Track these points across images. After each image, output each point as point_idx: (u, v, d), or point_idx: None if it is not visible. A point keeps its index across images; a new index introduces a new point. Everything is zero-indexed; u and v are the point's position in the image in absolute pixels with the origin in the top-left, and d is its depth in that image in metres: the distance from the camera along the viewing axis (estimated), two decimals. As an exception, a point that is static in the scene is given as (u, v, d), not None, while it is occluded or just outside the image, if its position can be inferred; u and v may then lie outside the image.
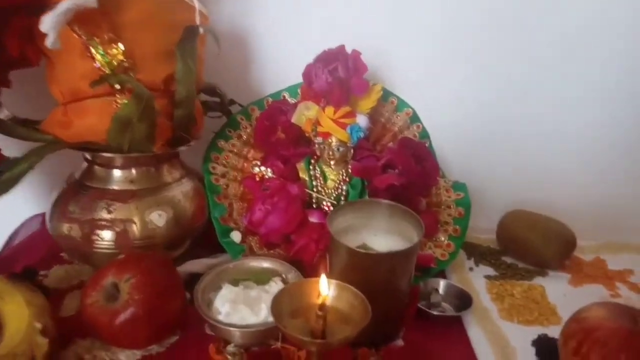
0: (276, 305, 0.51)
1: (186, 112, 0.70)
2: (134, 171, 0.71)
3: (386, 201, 0.68)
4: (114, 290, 0.59)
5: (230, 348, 0.61)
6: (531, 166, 0.99)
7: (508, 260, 0.88)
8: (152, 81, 0.66)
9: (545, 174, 0.98)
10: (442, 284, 0.77)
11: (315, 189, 0.80)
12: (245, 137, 0.87)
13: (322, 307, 0.49)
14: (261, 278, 0.67)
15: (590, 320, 0.57)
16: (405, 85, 0.92)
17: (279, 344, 0.62)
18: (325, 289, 0.51)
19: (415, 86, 0.93)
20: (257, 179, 0.79)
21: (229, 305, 0.60)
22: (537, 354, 0.66)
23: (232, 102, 0.90)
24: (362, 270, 0.59)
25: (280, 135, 0.84)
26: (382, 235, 0.67)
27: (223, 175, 0.82)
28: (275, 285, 0.66)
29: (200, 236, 0.79)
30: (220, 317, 0.60)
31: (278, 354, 0.62)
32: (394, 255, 0.59)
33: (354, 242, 0.66)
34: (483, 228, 0.95)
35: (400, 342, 0.65)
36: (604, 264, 0.86)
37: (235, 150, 0.86)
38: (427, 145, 0.89)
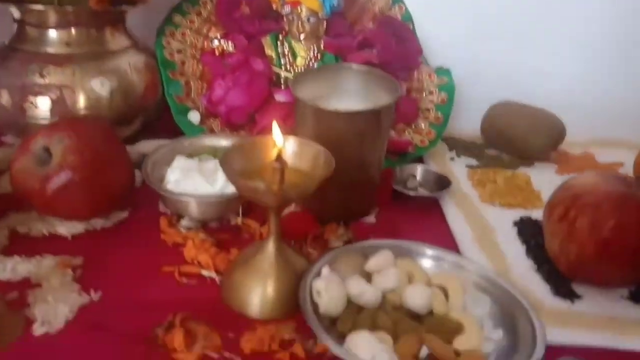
0: (227, 163, 0.44)
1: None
2: (71, 32, 0.62)
3: (359, 65, 0.60)
4: (46, 155, 0.51)
5: (184, 222, 0.55)
6: (522, 60, 0.91)
7: (493, 152, 0.82)
8: None
9: (536, 67, 0.90)
10: (419, 170, 0.70)
11: (283, 67, 0.71)
12: (205, 14, 0.77)
13: (278, 159, 0.43)
14: (219, 152, 0.60)
15: (580, 186, 0.51)
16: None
17: (239, 220, 0.57)
18: (280, 138, 0.44)
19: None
20: (217, 53, 0.71)
21: (180, 172, 0.53)
22: (519, 233, 0.61)
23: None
24: (329, 135, 0.52)
25: (244, 10, 0.74)
26: (353, 102, 0.60)
27: (179, 52, 0.73)
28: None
29: (154, 117, 0.71)
30: (169, 186, 0.53)
31: (238, 231, 0.56)
32: (363, 115, 0.52)
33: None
34: (467, 127, 0.88)
35: (372, 219, 0.59)
36: (593, 157, 0.81)
37: (194, 27, 0.76)
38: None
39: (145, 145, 0.67)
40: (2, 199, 0.57)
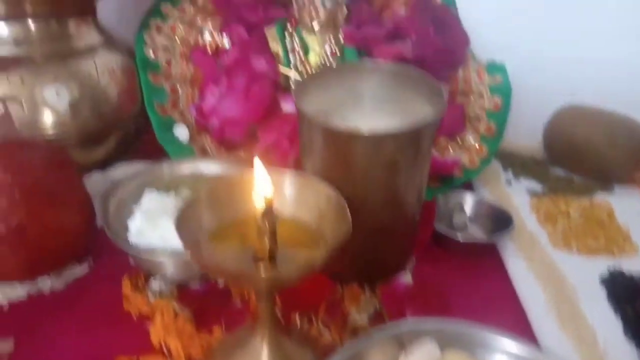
0: (186, 222, 0.30)
1: None
2: (24, 26, 0.48)
3: (387, 63, 0.44)
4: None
5: (154, 284, 0.41)
6: (592, 51, 0.73)
7: (559, 172, 0.65)
8: None
9: (612, 61, 0.72)
10: (469, 199, 0.55)
11: (292, 66, 0.56)
12: (200, 1, 0.63)
13: (267, 214, 0.28)
14: (202, 182, 0.45)
15: None
16: None
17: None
18: (266, 182, 0.29)
19: None
20: (209, 51, 0.56)
21: (143, 217, 0.39)
22: (610, 296, 0.44)
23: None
24: (347, 164, 0.37)
25: (246, -8, 0.59)
26: (379, 115, 0.44)
27: (165, 49, 0.59)
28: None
29: (132, 133, 0.57)
30: (130, 237, 0.39)
31: (228, 295, 0.42)
32: (396, 139, 0.37)
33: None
34: (525, 134, 0.71)
35: (407, 279, 0.43)
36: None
37: (186, 18, 0.62)
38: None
39: (120, 171, 0.53)
40: None
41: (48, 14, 0.48)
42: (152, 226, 0.39)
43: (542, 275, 0.46)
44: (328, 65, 0.55)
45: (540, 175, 0.63)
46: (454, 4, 0.66)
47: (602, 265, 0.48)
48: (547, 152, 0.68)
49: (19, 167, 0.38)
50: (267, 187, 0.28)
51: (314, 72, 0.56)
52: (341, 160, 0.38)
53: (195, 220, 0.30)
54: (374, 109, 0.44)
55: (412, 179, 0.40)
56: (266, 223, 0.27)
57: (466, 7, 0.66)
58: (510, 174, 0.64)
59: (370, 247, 0.41)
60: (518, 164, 0.66)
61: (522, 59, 0.72)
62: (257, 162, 0.29)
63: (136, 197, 0.45)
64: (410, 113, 0.43)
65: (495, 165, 0.64)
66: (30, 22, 0.48)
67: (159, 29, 0.60)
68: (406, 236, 0.44)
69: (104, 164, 0.55)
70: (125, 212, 0.44)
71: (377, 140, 0.36)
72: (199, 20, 0.62)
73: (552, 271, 0.46)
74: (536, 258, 0.48)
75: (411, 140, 0.37)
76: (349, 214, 0.30)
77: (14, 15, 0.47)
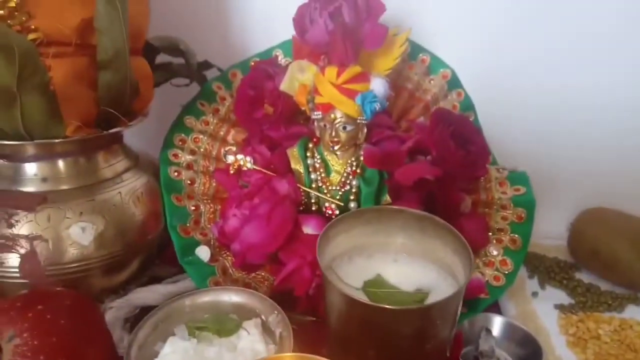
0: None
1: (117, 76, 0.48)
2: (52, 164, 0.50)
3: (413, 211, 0.44)
4: (-5, 352, 0.39)
5: None
6: (616, 148, 0.72)
7: (585, 278, 0.63)
8: (57, 30, 0.44)
9: (634, 158, 0.72)
10: (496, 322, 0.53)
11: (314, 185, 0.57)
12: (223, 111, 0.65)
13: None
14: (226, 325, 0.45)
15: None
16: (442, 35, 0.67)
17: None
18: None
19: (454, 37, 0.68)
20: (232, 171, 0.57)
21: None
22: None
23: (207, 64, 0.67)
24: (369, 327, 0.37)
25: (268, 110, 0.61)
26: (405, 260, 0.44)
27: (189, 166, 0.60)
28: (246, 339, 0.44)
29: (155, 254, 0.58)
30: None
31: None
32: (426, 310, 0.36)
33: (363, 272, 0.43)
34: (546, 232, 0.70)
35: None
36: None
37: (209, 130, 0.63)
38: (471, 120, 0.65)
39: (142, 295, 0.53)
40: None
41: (77, 153, 0.50)
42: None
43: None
44: (350, 183, 0.56)
45: (567, 284, 0.62)
46: (474, 109, 0.66)
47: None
48: (571, 255, 0.67)
49: (46, 330, 0.38)
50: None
51: (334, 190, 0.56)
52: (365, 322, 0.37)
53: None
54: (399, 253, 0.44)
55: (440, 339, 0.39)
56: None
57: (483, 108, 0.67)
58: (535, 283, 0.63)
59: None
60: (543, 269, 0.65)
61: (543, 157, 0.73)
62: None
63: (159, 335, 0.45)
64: (434, 258, 0.43)
65: (520, 272, 0.63)
66: (59, 161, 0.49)
67: (183, 143, 0.61)
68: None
69: (125, 285, 0.56)
70: (149, 352, 0.44)
71: (402, 314, 0.36)
72: (222, 132, 0.64)
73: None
74: (568, 395, 0.46)
75: (441, 309, 0.36)
76: None
77: (44, 158, 0.48)
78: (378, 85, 0.55)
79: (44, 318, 0.39)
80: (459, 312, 0.39)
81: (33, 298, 0.41)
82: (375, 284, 0.42)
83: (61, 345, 0.38)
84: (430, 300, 0.40)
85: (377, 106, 0.55)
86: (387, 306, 0.35)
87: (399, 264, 0.44)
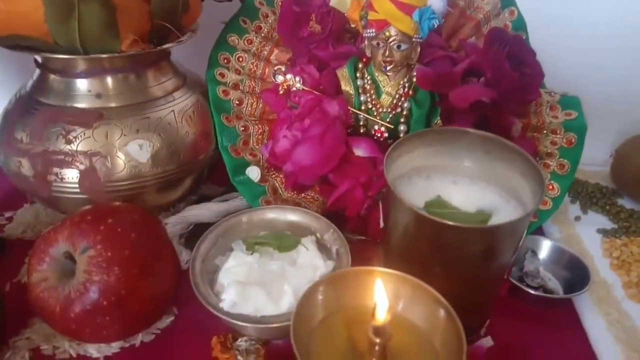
0: (300, 320, 0.31)
1: (169, -11, 0.45)
2: (104, 81, 0.49)
3: (479, 132, 0.44)
4: (70, 263, 0.40)
5: (242, 343, 0.42)
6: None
7: (627, 204, 0.63)
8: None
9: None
10: (542, 245, 0.54)
11: (363, 107, 0.56)
12: (266, 29, 0.62)
13: (381, 331, 0.29)
14: (286, 241, 0.46)
15: None
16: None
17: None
18: (383, 308, 0.29)
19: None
20: (281, 91, 0.56)
21: (236, 290, 0.40)
22: (692, 360, 0.44)
23: (249, -22, 0.64)
24: (437, 244, 0.38)
25: (315, 28, 0.58)
26: (466, 183, 0.44)
27: (235, 86, 0.59)
28: (305, 254, 0.45)
29: (207, 173, 0.58)
30: (224, 307, 0.40)
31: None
32: (494, 230, 0.37)
33: (424, 193, 0.44)
34: (589, 158, 0.69)
35: (488, 341, 0.44)
36: None
37: (252, 49, 0.61)
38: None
39: (196, 212, 0.55)
40: (22, 307, 0.45)
41: (126, 70, 0.49)
42: (245, 299, 0.40)
43: (619, 333, 0.46)
44: (402, 105, 0.55)
45: (609, 209, 0.62)
46: (525, 28, 0.63)
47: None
48: (615, 182, 0.67)
49: (118, 243, 0.39)
50: (382, 312, 0.29)
51: (384, 112, 0.55)
52: (430, 240, 0.38)
53: (305, 317, 0.31)
54: (459, 175, 0.44)
55: (504, 260, 0.40)
56: (378, 340, 0.28)
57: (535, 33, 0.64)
58: (577, 208, 0.63)
59: (458, 314, 0.42)
60: (585, 195, 0.65)
61: (587, 82, 0.70)
62: (379, 285, 0.30)
63: (218, 249, 0.47)
64: (496, 181, 0.43)
65: (563, 198, 0.63)
66: (109, 78, 0.49)
67: (227, 62, 0.60)
68: (489, 305, 0.44)
69: (179, 202, 0.57)
70: (210, 265, 0.46)
71: (469, 233, 0.36)
72: (265, 50, 0.62)
73: (629, 329, 0.46)
74: (613, 313, 0.48)
75: (508, 231, 0.37)
76: (462, 331, 0.30)
77: (94, 73, 0.48)
78: (436, 1, 0.52)
79: (115, 231, 0.40)
80: (524, 236, 0.39)
81: (103, 212, 0.41)
82: (436, 204, 0.42)
83: (134, 258, 0.40)
84: (493, 221, 0.40)
85: (436, 23, 0.52)
86: (458, 224, 0.35)
87: (459, 185, 0.44)
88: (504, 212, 0.41)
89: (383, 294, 0.29)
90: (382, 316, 0.29)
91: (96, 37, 0.43)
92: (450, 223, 0.35)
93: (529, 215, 0.37)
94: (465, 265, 0.38)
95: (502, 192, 0.43)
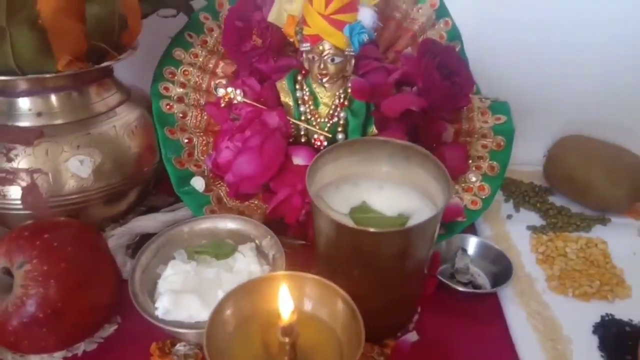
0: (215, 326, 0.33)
1: (105, 9, 0.48)
2: (46, 100, 0.51)
3: (396, 141, 0.47)
4: (8, 278, 0.42)
5: (180, 348, 0.45)
6: (594, 76, 0.74)
7: (558, 202, 0.67)
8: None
9: (612, 87, 0.73)
10: (471, 242, 0.58)
11: (303, 117, 0.58)
12: (211, 43, 0.65)
13: (288, 330, 0.31)
14: (223, 249, 0.49)
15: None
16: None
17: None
18: (287, 309, 0.32)
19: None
20: (223, 104, 0.58)
21: (169, 298, 0.43)
22: (601, 346, 0.48)
23: (193, -7, 0.66)
24: (354, 249, 0.40)
25: (256, 42, 0.61)
26: (389, 187, 0.47)
27: (180, 100, 0.61)
28: (242, 260, 0.48)
29: (152, 184, 0.60)
30: (159, 315, 0.43)
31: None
32: (405, 233, 0.40)
33: (350, 198, 0.47)
34: (525, 158, 0.74)
35: (413, 336, 0.47)
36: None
37: (198, 62, 0.64)
38: (457, 49, 0.66)
39: (142, 223, 0.56)
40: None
41: (70, 87, 0.50)
42: (178, 306, 0.42)
43: (538, 325, 0.49)
44: (338, 115, 0.58)
45: (540, 206, 0.66)
46: (460, 38, 0.67)
47: (596, 312, 0.51)
48: (547, 181, 0.71)
49: (54, 257, 0.41)
50: (286, 312, 0.31)
51: (322, 121, 0.58)
52: (351, 245, 0.41)
53: (220, 325, 0.34)
54: (384, 181, 0.47)
55: (420, 252, 0.43)
56: (287, 340, 0.31)
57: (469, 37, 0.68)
58: (511, 206, 0.67)
59: (381, 312, 0.45)
60: (518, 193, 0.69)
61: (524, 76, 0.74)
62: (284, 289, 0.32)
63: (160, 259, 0.49)
64: (416, 184, 0.46)
65: (497, 197, 0.67)
66: (52, 96, 0.50)
67: (172, 76, 0.62)
68: (415, 295, 0.47)
69: (125, 214, 0.59)
70: (151, 275, 0.48)
71: (384, 237, 0.39)
72: (210, 64, 0.64)
73: (549, 321, 0.50)
74: (533, 305, 0.52)
75: (421, 231, 0.40)
76: (362, 326, 0.33)
77: (36, 92, 0.49)
78: (366, 16, 0.55)
79: (51, 245, 0.42)
80: (436, 234, 0.43)
81: (40, 227, 0.43)
82: (360, 210, 0.45)
83: (70, 270, 0.42)
84: (411, 223, 0.43)
85: (365, 37, 0.55)
86: (369, 229, 0.38)
87: (384, 190, 0.47)
88: (422, 215, 0.44)
89: (287, 296, 0.32)
90: (286, 316, 0.31)
91: (31, 60, 0.45)
92: (362, 229, 0.38)
93: (435, 217, 0.40)
94: (382, 267, 0.41)
95: (421, 195, 0.46)
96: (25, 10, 0.41)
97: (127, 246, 0.56)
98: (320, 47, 0.55)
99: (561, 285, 0.54)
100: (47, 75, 0.47)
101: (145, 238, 0.56)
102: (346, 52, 0.56)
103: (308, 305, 0.35)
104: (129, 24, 0.52)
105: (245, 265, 0.47)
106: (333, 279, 0.39)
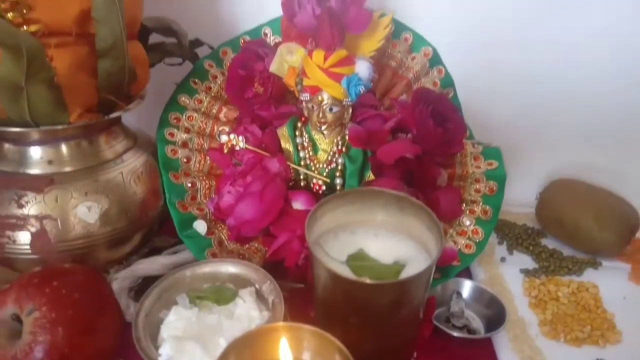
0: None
1: (116, 64, 0.50)
2: (56, 148, 0.53)
3: (390, 191, 0.49)
4: (18, 324, 0.43)
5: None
6: (586, 121, 0.76)
7: (550, 244, 0.69)
8: (58, 21, 0.46)
9: (603, 132, 0.76)
10: (465, 286, 0.59)
11: (303, 163, 0.61)
12: (215, 89, 0.67)
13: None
14: (224, 294, 0.50)
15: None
16: (425, 15, 0.70)
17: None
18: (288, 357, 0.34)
19: (438, 18, 0.71)
20: (226, 150, 0.60)
21: (171, 345, 0.44)
22: (593, 393, 0.49)
23: (198, 42, 0.69)
24: (350, 298, 0.42)
25: (259, 90, 0.64)
26: (385, 235, 0.49)
27: (184, 145, 0.64)
28: (242, 306, 0.49)
29: (156, 227, 0.62)
30: (160, 358, 0.44)
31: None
32: (400, 284, 0.41)
33: (348, 246, 0.48)
34: (518, 200, 0.76)
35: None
36: (675, 252, 0.68)
37: (202, 108, 0.66)
38: (450, 96, 0.69)
39: (145, 266, 0.58)
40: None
41: (80, 137, 0.53)
42: (180, 353, 0.44)
43: (531, 370, 0.51)
44: (336, 161, 0.60)
45: (533, 249, 0.68)
46: (453, 84, 0.70)
47: (588, 356, 0.53)
48: (539, 223, 0.73)
49: (62, 304, 0.43)
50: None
51: (321, 167, 0.60)
52: (347, 295, 0.42)
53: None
54: (379, 229, 0.49)
55: (415, 308, 0.45)
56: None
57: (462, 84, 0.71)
58: (504, 249, 0.69)
59: (378, 358, 0.46)
60: (512, 236, 0.70)
61: (515, 129, 0.77)
62: (283, 343, 0.34)
63: (163, 303, 0.50)
64: (411, 233, 0.48)
65: (490, 239, 0.68)
66: (63, 145, 0.53)
67: (177, 122, 0.64)
68: (411, 340, 0.49)
69: (130, 255, 0.60)
70: (154, 319, 0.49)
71: (380, 288, 0.41)
72: (214, 109, 0.67)
73: (541, 366, 0.51)
74: (526, 351, 0.53)
75: (415, 281, 0.41)
76: None
77: (47, 142, 0.51)
78: (362, 69, 0.58)
79: (59, 293, 0.43)
80: (430, 282, 0.44)
81: (48, 274, 0.45)
82: (357, 258, 0.47)
83: (77, 317, 0.43)
84: (407, 270, 0.45)
85: (362, 89, 0.58)
86: (366, 281, 0.40)
87: (380, 238, 0.49)
88: (417, 261, 0.46)
89: (286, 348, 0.34)
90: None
91: (45, 114, 0.47)
92: (358, 280, 0.40)
93: (430, 267, 0.42)
94: (378, 315, 0.42)
95: (416, 244, 0.48)
96: (43, 71, 0.43)
97: (129, 289, 0.58)
98: (319, 97, 0.58)
99: (553, 330, 0.56)
100: (59, 127, 0.50)
101: (147, 280, 0.58)
102: (344, 102, 0.58)
103: (306, 356, 0.36)
104: (138, 76, 0.54)
105: (245, 311, 0.49)
106: (330, 324, 0.41)
